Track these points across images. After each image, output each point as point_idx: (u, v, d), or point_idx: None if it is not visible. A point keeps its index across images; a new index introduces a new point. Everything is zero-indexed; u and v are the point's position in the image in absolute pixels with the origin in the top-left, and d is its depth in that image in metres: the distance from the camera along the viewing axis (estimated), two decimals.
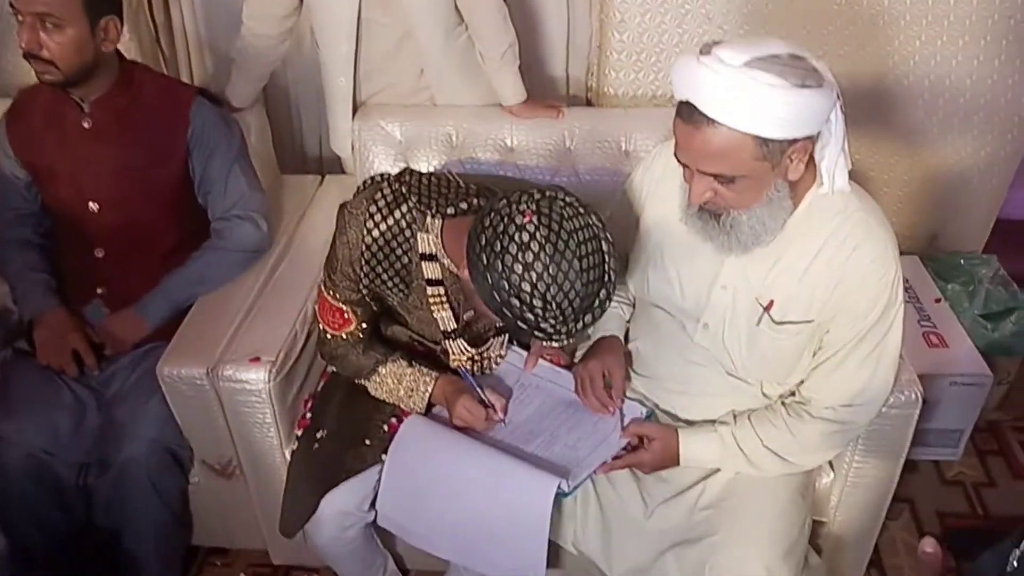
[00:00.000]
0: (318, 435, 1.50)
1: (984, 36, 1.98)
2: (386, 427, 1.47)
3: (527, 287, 1.11)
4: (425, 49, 1.84)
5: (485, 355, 1.54)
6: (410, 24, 1.80)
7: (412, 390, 1.46)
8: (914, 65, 2.03)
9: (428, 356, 1.54)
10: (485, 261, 1.13)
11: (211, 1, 2.17)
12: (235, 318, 1.62)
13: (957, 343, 1.99)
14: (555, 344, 1.18)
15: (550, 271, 1.11)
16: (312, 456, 1.47)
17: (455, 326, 1.45)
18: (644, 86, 2.07)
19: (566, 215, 1.14)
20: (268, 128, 2.09)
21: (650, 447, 1.36)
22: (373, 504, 1.46)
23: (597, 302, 1.17)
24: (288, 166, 2.25)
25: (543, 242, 1.11)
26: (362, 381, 1.49)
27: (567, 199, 1.16)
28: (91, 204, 1.65)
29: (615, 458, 1.36)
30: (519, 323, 1.15)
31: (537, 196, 1.15)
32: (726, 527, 1.32)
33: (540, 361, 1.53)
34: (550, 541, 1.35)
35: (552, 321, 1.14)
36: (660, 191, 1.38)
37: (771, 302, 1.29)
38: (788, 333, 1.30)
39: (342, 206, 1.38)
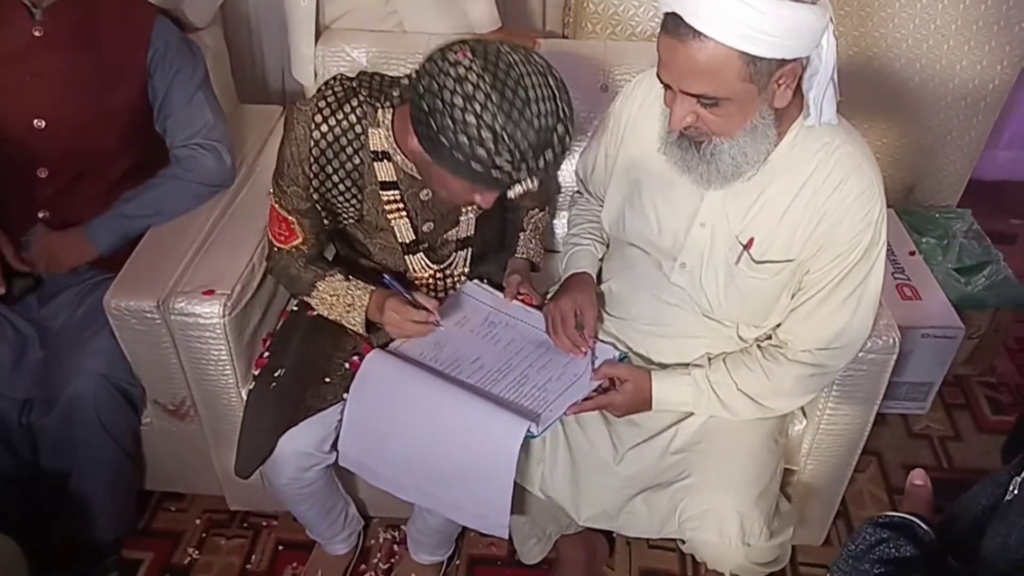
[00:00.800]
0: (276, 374, 1.43)
1: (976, 20, 1.95)
2: (347, 365, 1.40)
3: (472, 119, 1.05)
4: None
5: (448, 272, 1.48)
6: None
7: (350, 305, 1.39)
8: (892, 28, 2.01)
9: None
10: (426, 107, 1.08)
11: None
12: (189, 249, 1.53)
13: (930, 296, 1.98)
14: (519, 189, 1.12)
15: (493, 99, 1.05)
16: (270, 395, 1.40)
17: (413, 237, 1.39)
18: (623, 22, 1.98)
19: (503, 51, 1.09)
20: (227, 53, 1.98)
21: (622, 388, 1.32)
22: (334, 445, 1.40)
23: (555, 137, 1.10)
24: (249, 97, 2.14)
25: (480, 71, 1.06)
26: (305, 297, 1.44)
27: (503, 42, 1.12)
28: (36, 121, 1.52)
29: (586, 399, 1.32)
30: (473, 165, 1.08)
31: (471, 41, 1.11)
32: (698, 471, 1.29)
33: (511, 301, 1.48)
34: (517, 485, 1.31)
35: (507, 156, 1.07)
36: (639, 124, 1.32)
37: (751, 240, 1.24)
38: (768, 272, 1.25)
39: (290, 106, 1.31)
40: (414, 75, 1.12)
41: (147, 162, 1.62)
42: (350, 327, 1.41)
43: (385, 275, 1.37)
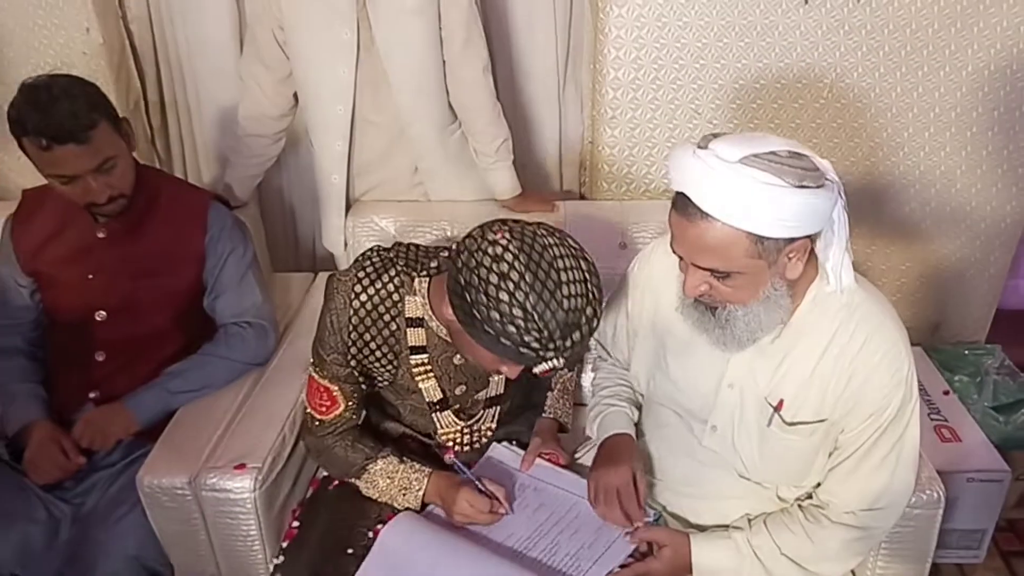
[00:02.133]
0: (302, 546, 1.41)
1: (970, 127, 2.01)
2: (371, 534, 1.38)
3: (505, 296, 1.08)
4: (419, 146, 1.84)
5: (475, 428, 1.48)
6: (403, 122, 1.81)
7: (405, 488, 1.38)
8: (903, 156, 2.05)
9: (421, 453, 1.48)
10: (463, 281, 1.11)
11: (207, 105, 2.19)
12: (221, 422, 1.55)
13: (970, 437, 1.93)
14: (545, 367, 1.13)
15: (527, 279, 1.08)
16: (295, 569, 1.37)
17: (441, 396, 1.40)
18: (637, 180, 2.07)
19: (539, 233, 1.14)
20: (262, 226, 2.08)
21: (660, 554, 1.27)
22: None
23: (583, 319, 1.12)
24: (281, 264, 2.23)
25: (516, 252, 1.10)
26: (351, 480, 1.42)
27: (540, 224, 1.17)
28: (98, 313, 1.59)
29: (623, 566, 1.27)
30: (503, 340, 1.10)
31: (510, 221, 1.16)
32: None
33: (538, 461, 1.46)
34: None
35: (536, 335, 1.09)
36: (660, 287, 1.35)
37: (780, 402, 1.24)
38: (801, 434, 1.24)
39: (331, 276, 1.36)
40: (454, 248, 1.17)
41: (196, 341, 1.66)
42: (399, 506, 1.40)
43: (451, 456, 1.39)
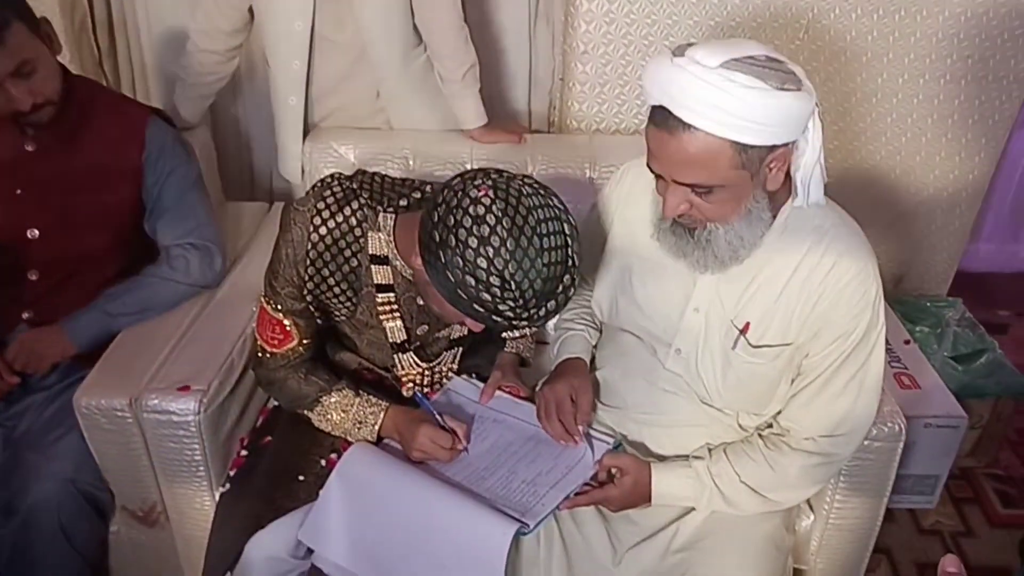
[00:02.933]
0: (251, 474, 1.35)
1: (944, 75, 1.99)
2: (324, 462, 1.33)
3: (483, 263, 1.02)
4: (381, 69, 1.76)
5: (436, 369, 1.43)
6: (365, 43, 1.73)
7: (360, 422, 1.33)
8: (876, 103, 2.03)
9: (377, 385, 1.42)
10: (438, 238, 1.04)
11: (157, 25, 2.08)
12: (165, 345, 1.48)
13: (929, 385, 1.93)
14: (515, 334, 1.09)
15: (507, 246, 1.02)
16: (242, 495, 1.32)
17: (405, 338, 1.34)
18: (608, 119, 2.02)
19: (525, 192, 1.06)
20: (214, 152, 1.98)
21: (620, 482, 1.25)
22: (311, 551, 1.30)
23: (560, 287, 1.07)
24: (235, 195, 2.14)
25: (500, 215, 1.02)
26: (304, 412, 1.36)
27: (526, 179, 1.09)
28: (29, 231, 1.50)
29: (579, 494, 1.24)
30: (475, 306, 1.05)
31: (494, 174, 1.08)
32: (701, 571, 1.20)
33: (498, 392, 1.42)
34: None
35: (511, 304, 1.04)
36: (629, 209, 1.31)
37: (747, 324, 1.21)
38: (766, 357, 1.21)
39: (287, 204, 1.27)
40: (429, 197, 1.10)
41: (136, 263, 1.59)
42: (354, 440, 1.34)
43: (417, 393, 1.34)
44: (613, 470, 1.25)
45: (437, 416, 1.31)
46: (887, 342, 2.00)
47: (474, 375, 1.48)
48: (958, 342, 2.10)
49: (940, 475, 1.96)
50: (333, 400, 1.33)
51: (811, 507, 1.45)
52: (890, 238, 2.22)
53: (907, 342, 2.07)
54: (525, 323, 1.07)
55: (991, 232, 2.92)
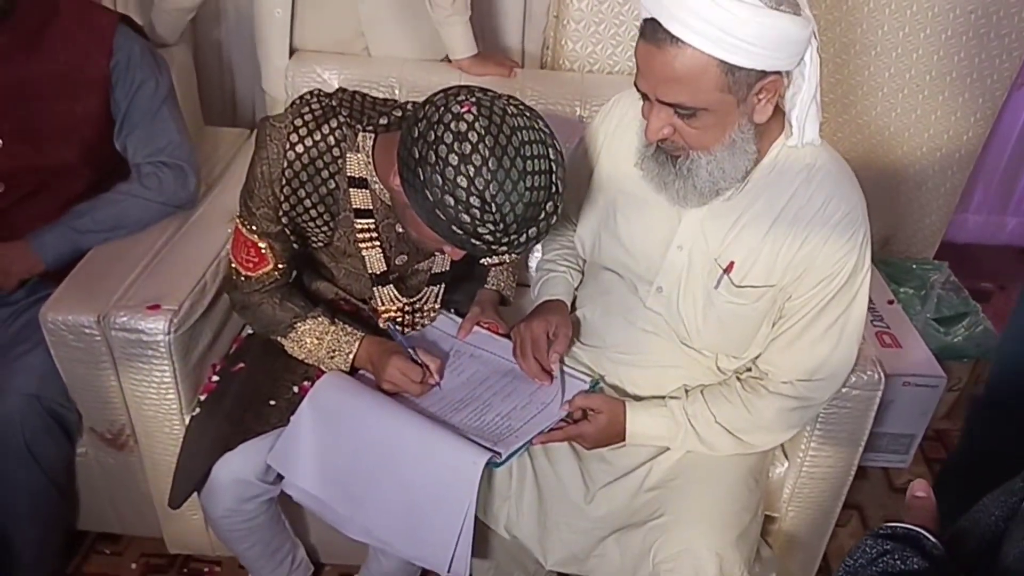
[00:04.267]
0: (222, 399, 1.33)
1: (945, 30, 1.95)
2: (296, 388, 1.30)
3: (463, 182, 0.98)
4: None
5: (417, 307, 1.39)
6: None
7: (334, 350, 1.30)
8: (875, 56, 1.99)
9: (354, 316, 1.39)
10: (417, 154, 1.00)
11: None
12: (137, 264, 1.44)
13: (910, 344, 1.92)
14: (494, 260, 1.05)
15: (489, 165, 0.98)
16: (211, 418, 1.30)
17: (384, 268, 1.31)
18: (602, 60, 1.97)
19: (510, 112, 1.02)
20: (195, 75, 1.92)
21: (594, 419, 1.23)
22: (281, 477, 1.29)
23: (543, 214, 1.04)
24: (216, 120, 2.08)
25: (483, 132, 0.98)
26: (277, 338, 1.33)
27: (511, 99, 1.05)
28: None
29: (554, 430, 1.23)
30: (454, 228, 1.01)
31: (478, 92, 1.03)
32: (673, 509, 1.20)
33: (476, 328, 1.40)
34: (481, 524, 1.21)
35: (491, 227, 1.00)
36: (615, 142, 1.27)
37: (731, 263, 1.18)
38: (748, 298, 1.19)
39: (263, 120, 1.22)
40: (411, 113, 1.05)
41: (107, 180, 1.53)
42: (327, 370, 1.32)
43: (391, 324, 1.31)
44: (587, 411, 1.23)
45: (410, 350, 1.29)
46: (870, 300, 2.02)
47: (453, 311, 1.46)
48: (941, 304, 2.10)
49: (915, 435, 1.97)
50: (307, 327, 1.30)
51: (785, 454, 1.45)
52: (880, 197, 2.18)
53: (891, 302, 2.06)
54: (505, 249, 1.04)
55: (980, 204, 2.91)
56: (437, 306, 1.43)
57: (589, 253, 1.34)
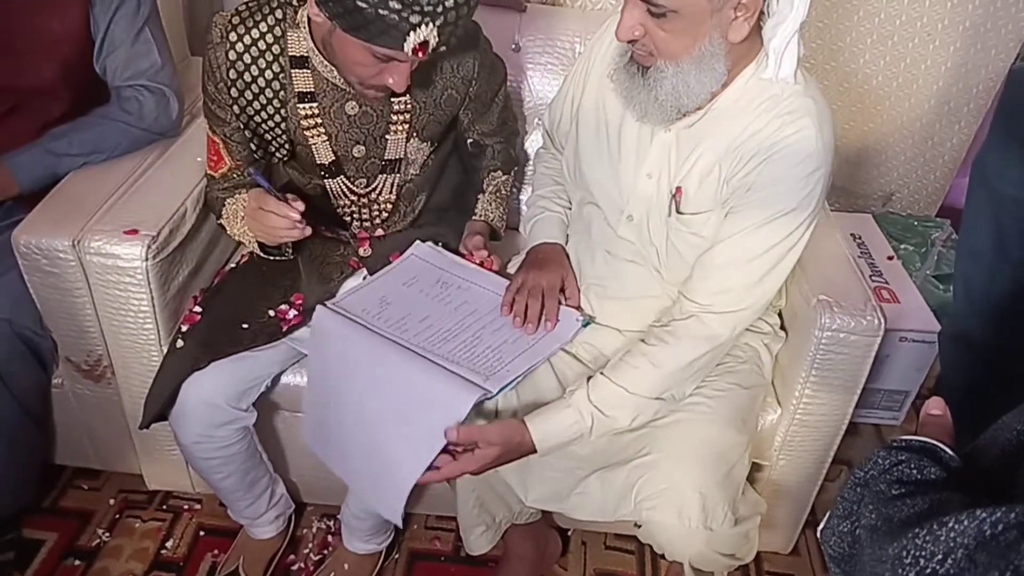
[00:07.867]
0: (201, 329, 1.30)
1: (964, 20, 1.89)
2: (271, 313, 1.28)
3: None
4: None
5: (373, 197, 1.37)
6: None
7: (242, 218, 1.29)
8: (886, 2, 1.92)
9: (335, 248, 1.38)
10: None
11: None
12: (115, 189, 1.39)
13: (908, 300, 1.90)
14: (414, 39, 1.00)
15: None
16: (186, 344, 1.26)
17: (332, 158, 1.29)
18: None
19: None
20: (182, 9, 1.85)
21: (480, 454, 1.09)
22: (253, 405, 1.26)
23: None
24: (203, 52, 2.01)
25: None
26: (221, 222, 1.34)
27: None
28: None
29: (434, 469, 1.10)
30: (360, 3, 0.98)
31: None
32: (657, 447, 1.16)
33: (465, 262, 1.36)
34: None
35: None
36: (601, 66, 1.23)
37: (679, 189, 1.14)
38: (694, 226, 1.15)
39: (215, 14, 1.22)
40: None
41: (86, 105, 1.48)
42: (250, 245, 1.32)
43: (250, 169, 1.30)
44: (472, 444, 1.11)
45: (276, 193, 1.21)
46: (869, 256, 1.98)
47: (440, 244, 1.42)
48: (942, 261, 2.06)
49: (910, 391, 1.95)
50: (231, 201, 1.31)
51: (779, 401, 1.42)
52: (886, 151, 2.14)
53: (890, 258, 2.02)
54: (419, 19, 0.99)
55: None
56: (393, 197, 1.39)
57: (572, 180, 1.32)
